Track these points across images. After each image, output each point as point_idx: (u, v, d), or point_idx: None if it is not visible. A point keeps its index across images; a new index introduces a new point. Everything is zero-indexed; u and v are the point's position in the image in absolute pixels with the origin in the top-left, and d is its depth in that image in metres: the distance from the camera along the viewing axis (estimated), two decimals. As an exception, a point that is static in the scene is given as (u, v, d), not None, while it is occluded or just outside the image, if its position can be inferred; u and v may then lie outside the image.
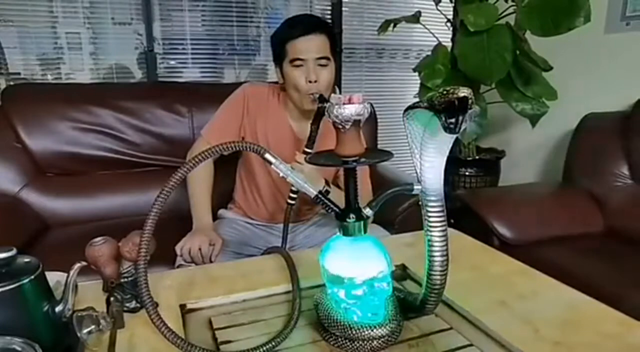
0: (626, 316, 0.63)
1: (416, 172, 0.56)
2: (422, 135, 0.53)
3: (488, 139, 2.17)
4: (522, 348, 0.56)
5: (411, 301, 0.62)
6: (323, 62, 0.99)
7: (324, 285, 0.61)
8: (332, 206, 0.59)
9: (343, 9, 2.13)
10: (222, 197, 1.23)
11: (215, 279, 0.75)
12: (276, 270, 0.76)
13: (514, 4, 1.66)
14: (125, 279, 0.64)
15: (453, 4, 1.91)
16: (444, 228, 0.54)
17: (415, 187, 0.55)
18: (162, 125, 1.54)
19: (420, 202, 0.56)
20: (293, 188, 0.94)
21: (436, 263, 0.54)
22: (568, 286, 0.71)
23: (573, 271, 1.10)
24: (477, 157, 1.98)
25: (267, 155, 0.58)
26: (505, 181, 2.06)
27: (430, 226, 0.54)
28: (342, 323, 0.57)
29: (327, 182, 1.01)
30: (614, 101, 1.63)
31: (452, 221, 1.35)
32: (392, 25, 1.84)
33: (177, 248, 0.96)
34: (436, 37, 1.90)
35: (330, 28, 1.04)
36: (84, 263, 0.58)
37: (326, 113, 0.54)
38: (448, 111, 0.43)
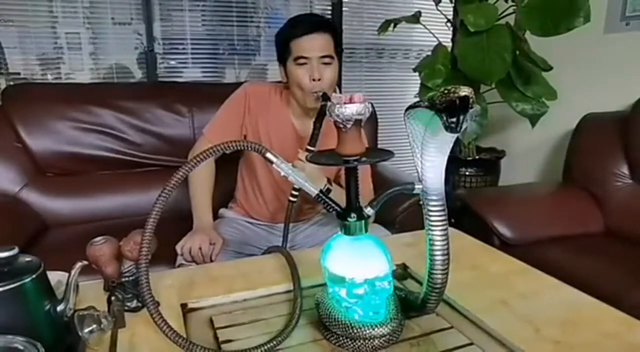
0: (626, 315, 0.63)
1: (417, 172, 0.56)
2: (423, 135, 0.53)
3: (488, 138, 2.17)
4: (522, 347, 0.56)
5: (412, 300, 0.62)
6: (327, 60, 0.99)
7: (325, 284, 0.61)
8: (333, 205, 0.59)
9: (343, 9, 2.13)
10: (223, 197, 1.23)
11: (216, 278, 0.75)
12: (277, 269, 0.76)
13: (513, 4, 1.66)
14: (126, 279, 0.64)
15: (453, 4, 1.92)
16: (445, 227, 0.54)
17: (416, 186, 0.55)
18: (163, 125, 1.54)
19: (420, 202, 0.56)
20: (295, 186, 0.94)
21: (437, 262, 0.55)
22: (568, 286, 0.71)
23: (573, 270, 1.10)
24: (477, 157, 1.98)
25: (268, 155, 0.58)
26: (505, 180, 2.07)
27: (432, 225, 0.54)
28: (343, 322, 0.57)
29: (329, 181, 1.01)
30: (614, 101, 1.63)
31: (452, 220, 1.35)
32: (392, 25, 1.84)
33: (178, 247, 0.96)
34: (436, 37, 1.90)
35: (333, 27, 1.05)
36: (85, 262, 0.58)
37: (327, 112, 0.54)
38: (449, 110, 0.43)
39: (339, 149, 0.55)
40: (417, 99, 0.51)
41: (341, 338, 0.58)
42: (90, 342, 0.54)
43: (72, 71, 1.85)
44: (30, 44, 1.77)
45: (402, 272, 0.79)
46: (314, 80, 0.98)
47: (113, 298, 0.62)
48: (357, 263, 0.57)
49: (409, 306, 0.63)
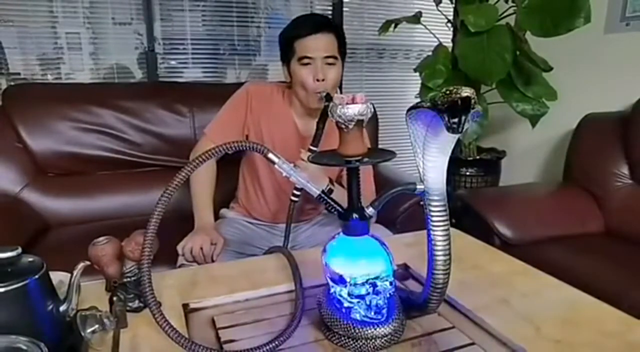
0: (626, 314, 0.63)
1: (419, 172, 0.56)
2: (425, 135, 0.53)
3: (489, 139, 2.17)
4: (523, 346, 0.56)
5: (414, 300, 0.63)
6: (331, 61, 0.99)
7: (326, 284, 0.61)
8: (334, 205, 0.59)
9: (344, 9, 2.13)
10: (224, 197, 1.24)
11: (218, 278, 0.75)
12: (279, 269, 0.77)
13: (514, 4, 1.66)
14: (128, 279, 0.64)
15: (453, 5, 1.92)
16: (446, 227, 0.54)
17: (417, 187, 0.55)
18: (163, 125, 1.54)
19: (422, 202, 0.56)
20: (296, 186, 0.95)
21: (439, 262, 0.55)
22: (569, 285, 0.71)
23: (573, 270, 1.11)
24: (477, 157, 1.98)
25: (270, 155, 0.58)
26: (506, 180, 2.07)
27: (433, 226, 0.54)
28: (344, 322, 0.57)
29: (331, 181, 1.01)
30: (614, 101, 1.63)
31: (453, 220, 1.35)
32: (392, 25, 1.84)
33: (179, 248, 0.96)
34: (437, 38, 1.91)
35: (338, 27, 1.05)
36: (87, 263, 0.58)
37: (329, 113, 0.54)
38: (451, 111, 0.43)
39: (340, 150, 0.55)
40: (418, 99, 0.51)
41: (343, 338, 0.58)
42: (93, 343, 0.55)
43: (73, 71, 1.85)
44: (30, 44, 1.77)
45: (403, 272, 0.79)
46: (317, 80, 0.98)
47: (115, 298, 0.62)
48: (358, 263, 0.57)
49: (410, 305, 0.63)
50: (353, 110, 0.52)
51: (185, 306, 0.67)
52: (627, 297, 0.92)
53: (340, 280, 0.57)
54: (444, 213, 0.54)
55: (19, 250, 0.51)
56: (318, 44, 0.98)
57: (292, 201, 0.98)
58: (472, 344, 0.59)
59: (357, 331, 0.57)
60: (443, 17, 1.92)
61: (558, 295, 0.69)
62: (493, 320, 0.61)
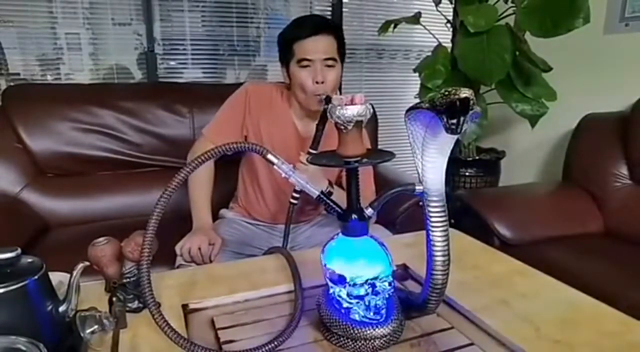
0: (625, 315, 0.63)
1: (418, 173, 0.56)
2: (424, 136, 0.53)
3: (488, 139, 2.17)
4: (523, 347, 0.56)
5: (413, 301, 0.63)
6: (330, 63, 0.99)
7: (325, 285, 0.61)
8: (334, 206, 0.59)
9: (343, 9, 2.13)
10: (223, 197, 1.24)
11: (218, 279, 0.76)
12: (278, 270, 0.77)
13: (513, 5, 1.67)
14: (128, 280, 0.64)
15: (453, 5, 1.92)
16: (445, 228, 0.54)
17: (416, 187, 0.56)
18: (163, 126, 1.54)
19: (421, 203, 0.56)
20: (296, 188, 0.95)
21: (437, 263, 0.55)
22: (568, 286, 0.71)
23: (573, 270, 1.11)
24: (477, 158, 1.98)
25: (269, 156, 0.58)
26: (506, 181, 2.07)
27: (432, 226, 0.54)
28: (343, 322, 0.58)
29: (330, 183, 1.01)
30: (613, 102, 1.63)
31: (452, 221, 1.35)
32: (392, 26, 1.84)
33: (177, 248, 0.96)
34: (436, 38, 1.91)
35: (337, 29, 1.04)
36: (87, 263, 0.58)
37: (328, 114, 0.54)
38: (450, 112, 0.44)
39: (339, 150, 0.55)
40: (418, 100, 0.51)
41: (342, 338, 0.58)
42: (92, 343, 0.55)
43: (72, 72, 1.85)
44: (30, 45, 1.77)
45: (402, 273, 0.79)
46: (317, 82, 0.97)
47: (114, 299, 0.62)
48: (357, 264, 0.57)
49: (409, 306, 0.63)
50: (352, 111, 0.52)
51: (184, 306, 0.67)
52: (626, 298, 0.92)
53: (340, 280, 0.57)
54: (443, 214, 0.54)
55: (18, 251, 0.51)
56: (317, 46, 0.97)
57: (291, 203, 0.98)
58: (472, 344, 0.59)
59: (356, 331, 0.57)
60: (442, 17, 1.92)
61: (557, 295, 0.69)
62: (492, 320, 0.61)
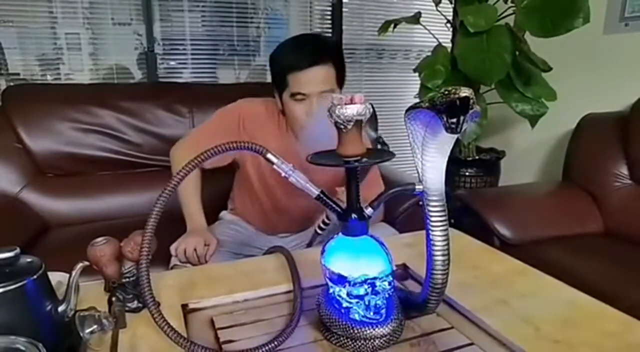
0: (626, 314, 0.63)
1: (417, 172, 0.56)
2: (424, 136, 0.53)
3: (488, 139, 2.17)
4: (522, 347, 0.56)
5: (412, 300, 0.63)
6: (327, 93, 0.90)
7: (325, 284, 0.61)
8: (333, 205, 0.59)
9: (343, 9, 2.14)
10: (217, 201, 1.23)
11: (217, 278, 0.75)
12: (278, 269, 0.76)
13: (513, 5, 1.67)
14: (127, 279, 0.64)
15: (453, 5, 1.92)
16: (445, 228, 0.54)
17: (416, 187, 0.55)
18: (163, 126, 1.54)
19: (421, 202, 0.56)
20: (325, 220, 0.86)
21: (437, 262, 0.55)
22: (568, 285, 0.71)
23: (573, 270, 1.11)
24: (477, 158, 1.98)
25: (269, 155, 0.58)
26: (505, 180, 2.07)
27: (432, 226, 0.54)
28: (343, 322, 0.57)
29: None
30: (613, 101, 1.63)
31: (452, 220, 1.35)
32: (392, 26, 1.84)
33: (172, 249, 0.95)
34: (436, 38, 1.91)
35: (337, 54, 0.94)
36: (86, 263, 0.58)
37: (328, 113, 0.54)
38: (450, 111, 0.43)
39: (339, 150, 0.55)
40: (418, 100, 0.51)
41: (342, 338, 0.58)
42: (91, 343, 0.55)
43: (72, 72, 1.86)
44: (29, 45, 1.77)
45: (402, 273, 0.79)
46: None
47: (114, 299, 0.62)
48: (357, 263, 0.57)
49: (409, 306, 0.63)
50: (352, 110, 0.52)
51: (184, 306, 0.67)
52: (626, 297, 0.92)
53: (339, 280, 0.57)
54: (442, 213, 0.54)
55: (17, 250, 0.50)
56: (314, 79, 0.88)
57: (317, 232, 0.89)
58: (471, 344, 0.59)
59: (356, 331, 0.57)
60: (442, 17, 1.92)
61: (557, 295, 0.69)
62: (492, 320, 0.61)
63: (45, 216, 1.41)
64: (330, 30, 2.16)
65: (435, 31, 1.91)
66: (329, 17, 2.15)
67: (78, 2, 1.79)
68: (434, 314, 0.64)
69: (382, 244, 0.59)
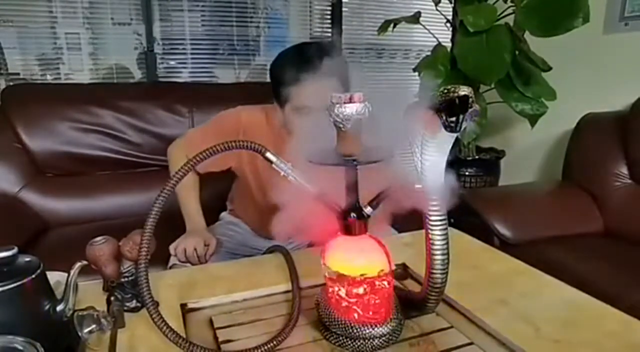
0: (626, 314, 0.63)
1: (417, 172, 0.56)
2: (423, 135, 0.53)
3: (488, 138, 2.17)
4: (522, 346, 0.56)
5: (412, 300, 0.62)
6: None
7: (324, 284, 0.61)
8: (332, 205, 0.59)
9: (343, 9, 2.13)
10: (216, 201, 1.23)
11: (216, 278, 0.75)
12: (277, 269, 0.76)
13: (512, 4, 1.66)
14: (126, 279, 0.64)
15: (452, 5, 1.92)
16: (444, 227, 0.54)
17: (415, 186, 0.55)
18: (163, 126, 1.54)
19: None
20: None
21: (437, 262, 0.55)
22: (568, 285, 0.71)
23: (573, 270, 1.11)
24: (477, 157, 1.98)
25: (268, 154, 0.58)
26: (505, 180, 2.07)
27: (431, 225, 0.54)
28: (342, 322, 0.57)
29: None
30: (613, 101, 1.63)
31: (452, 220, 1.35)
32: (392, 25, 1.84)
33: (171, 248, 0.94)
34: (436, 38, 1.91)
35: (341, 66, 0.88)
36: (85, 262, 0.58)
37: (327, 112, 0.54)
38: (449, 110, 0.43)
39: (338, 149, 0.55)
40: (417, 99, 0.51)
41: (341, 338, 0.58)
42: (90, 343, 0.54)
43: (72, 71, 1.85)
44: (29, 45, 1.77)
45: (401, 272, 0.79)
46: None
47: (112, 298, 0.62)
48: (356, 263, 0.57)
49: (408, 305, 0.63)
50: (350, 109, 0.51)
51: (183, 305, 0.67)
52: (626, 297, 0.92)
53: (339, 280, 0.57)
54: (442, 213, 0.54)
55: (15, 250, 0.50)
56: (317, 92, 0.83)
57: None
58: (471, 344, 0.58)
59: (355, 330, 0.57)
60: (442, 17, 1.92)
61: (557, 295, 0.69)
62: (492, 320, 0.61)
63: (45, 215, 1.41)
64: (329, 30, 2.16)
65: (435, 31, 1.91)
66: (329, 17, 2.15)
67: (78, 2, 1.79)
68: (433, 313, 0.64)
69: (381, 243, 0.59)
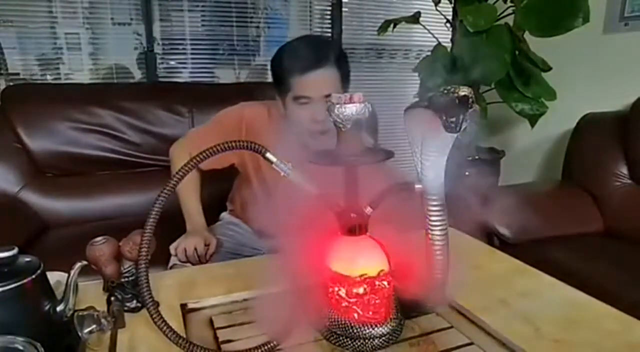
0: (625, 314, 0.63)
1: (417, 172, 0.56)
2: (423, 135, 0.53)
3: (488, 139, 2.17)
4: (522, 346, 0.56)
5: (412, 300, 0.62)
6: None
7: (324, 284, 0.61)
8: (332, 205, 0.59)
9: (343, 9, 2.13)
10: (218, 201, 1.23)
11: (216, 278, 0.75)
12: (277, 269, 0.76)
13: (512, 4, 1.66)
14: (126, 279, 0.64)
15: (452, 5, 1.92)
16: (444, 227, 0.54)
17: (416, 186, 0.55)
18: (162, 126, 1.54)
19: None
20: None
21: (437, 262, 0.55)
22: (568, 285, 0.71)
23: (572, 269, 1.11)
24: (477, 157, 1.98)
25: (268, 155, 0.58)
26: (505, 180, 2.07)
27: (431, 225, 0.54)
28: (343, 322, 0.57)
29: None
30: (613, 101, 1.63)
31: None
32: (391, 25, 1.84)
33: (172, 248, 0.95)
34: (436, 38, 1.91)
35: (341, 58, 0.91)
36: (85, 262, 0.58)
37: (327, 112, 0.54)
38: (449, 110, 0.43)
39: (338, 149, 0.55)
40: (417, 99, 0.51)
41: (341, 338, 0.58)
42: (90, 343, 0.55)
43: (72, 72, 1.85)
44: (29, 45, 1.77)
45: (401, 272, 0.79)
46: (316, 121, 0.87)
47: (113, 298, 0.62)
48: (356, 262, 0.57)
49: (408, 305, 0.63)
50: (350, 109, 0.52)
51: (183, 306, 0.67)
52: (626, 297, 0.92)
53: (339, 279, 0.57)
54: (441, 213, 0.54)
55: (15, 250, 0.50)
56: (318, 82, 0.86)
57: None
58: (471, 344, 0.58)
59: (355, 330, 0.57)
60: (442, 17, 1.92)
61: (557, 294, 0.69)
62: (492, 320, 0.61)
63: (45, 215, 1.41)
64: (329, 30, 2.16)
65: (435, 31, 1.91)
66: (329, 17, 2.15)
67: (78, 2, 1.79)
68: (433, 313, 0.64)
69: (381, 243, 0.59)
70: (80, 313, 0.54)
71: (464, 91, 0.43)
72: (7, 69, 1.74)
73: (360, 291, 0.56)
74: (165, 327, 0.53)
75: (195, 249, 0.93)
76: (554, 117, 1.74)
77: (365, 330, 0.56)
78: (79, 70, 1.86)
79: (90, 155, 1.48)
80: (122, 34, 1.87)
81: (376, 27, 1.91)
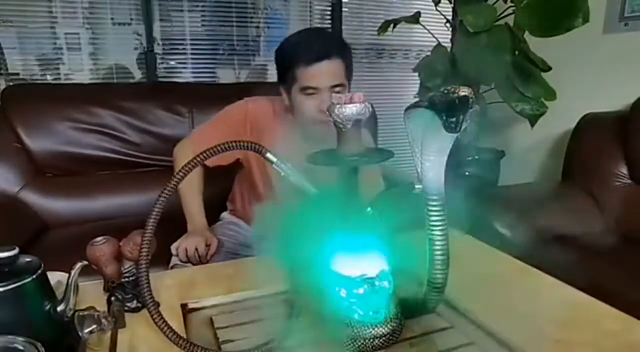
0: (626, 314, 0.63)
1: (417, 172, 0.56)
2: (423, 135, 0.53)
3: (488, 139, 2.17)
4: (522, 346, 0.56)
5: (412, 300, 0.62)
6: (338, 89, 0.90)
7: (324, 283, 0.61)
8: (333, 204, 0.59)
9: (343, 9, 2.13)
10: (218, 201, 1.23)
11: (216, 278, 0.75)
12: (277, 268, 0.76)
13: (512, 4, 1.66)
14: (126, 279, 0.64)
15: (452, 5, 1.92)
16: (444, 227, 0.54)
17: (416, 186, 0.55)
18: (162, 126, 1.54)
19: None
20: None
21: (437, 262, 0.55)
22: (568, 285, 0.71)
23: (573, 270, 1.10)
24: (476, 157, 1.98)
25: (268, 155, 0.58)
26: (505, 180, 2.07)
27: (431, 225, 0.54)
28: (343, 322, 0.57)
29: None
30: (613, 101, 1.63)
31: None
32: (391, 25, 1.84)
33: (173, 248, 0.94)
34: (436, 38, 1.91)
35: (345, 49, 0.94)
36: (85, 263, 0.58)
37: (327, 112, 0.54)
38: (449, 110, 0.43)
39: (338, 149, 0.55)
40: (417, 99, 0.51)
41: (341, 338, 0.58)
42: (90, 343, 0.55)
43: (72, 72, 1.85)
44: (29, 45, 1.77)
45: (402, 272, 0.79)
46: (322, 111, 0.88)
47: (113, 298, 0.62)
48: (357, 262, 0.57)
49: (409, 305, 0.63)
50: (351, 109, 0.52)
51: (183, 306, 0.67)
52: (626, 297, 0.91)
53: (339, 279, 0.57)
54: (442, 213, 0.54)
55: (16, 250, 0.50)
56: (324, 73, 0.88)
57: None
58: (471, 344, 0.59)
59: (355, 330, 0.57)
60: (442, 17, 1.92)
61: (557, 295, 0.69)
62: (492, 320, 0.61)
63: (45, 215, 1.41)
64: (330, 30, 2.15)
65: (435, 31, 1.91)
66: (329, 17, 2.15)
67: (78, 2, 1.79)
68: (433, 313, 0.64)
69: (381, 243, 0.59)
70: (81, 313, 0.54)
71: (464, 91, 0.43)
72: (7, 69, 1.74)
73: (361, 291, 0.56)
74: (165, 327, 0.53)
75: (196, 249, 0.93)
76: (554, 117, 1.74)
77: (365, 330, 0.56)
78: (79, 70, 1.86)
79: (90, 155, 1.48)
80: (122, 34, 1.87)
81: (376, 27, 1.91)
